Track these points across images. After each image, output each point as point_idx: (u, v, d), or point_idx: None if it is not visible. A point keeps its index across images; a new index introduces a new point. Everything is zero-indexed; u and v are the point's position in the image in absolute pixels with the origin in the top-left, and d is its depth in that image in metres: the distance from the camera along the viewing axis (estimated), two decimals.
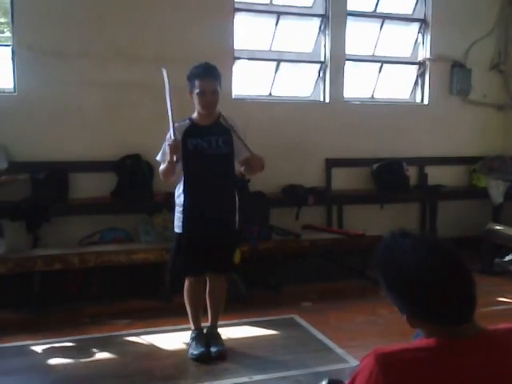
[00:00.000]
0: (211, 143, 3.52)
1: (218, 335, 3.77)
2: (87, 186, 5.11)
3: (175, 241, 3.65)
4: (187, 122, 3.56)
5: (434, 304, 1.40)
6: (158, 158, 3.62)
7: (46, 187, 4.80)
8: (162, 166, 3.51)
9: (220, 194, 3.58)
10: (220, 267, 3.69)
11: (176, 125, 3.49)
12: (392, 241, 1.49)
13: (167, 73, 3.52)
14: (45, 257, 4.39)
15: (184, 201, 3.53)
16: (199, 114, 3.55)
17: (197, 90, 3.44)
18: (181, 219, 3.55)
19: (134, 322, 4.20)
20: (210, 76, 3.47)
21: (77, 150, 5.09)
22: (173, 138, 3.39)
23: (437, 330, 1.42)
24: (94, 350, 3.76)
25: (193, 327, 3.75)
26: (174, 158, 3.34)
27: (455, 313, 1.41)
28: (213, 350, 3.64)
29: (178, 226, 3.59)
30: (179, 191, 3.58)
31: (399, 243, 1.48)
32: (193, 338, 3.70)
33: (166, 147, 3.47)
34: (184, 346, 3.79)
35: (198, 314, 3.75)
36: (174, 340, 3.92)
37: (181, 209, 3.55)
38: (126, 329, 4.08)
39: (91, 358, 3.66)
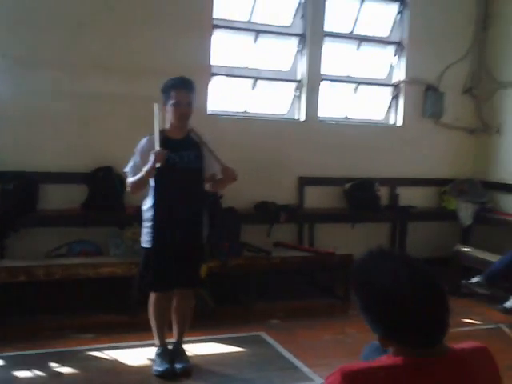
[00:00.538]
0: (183, 157, 3.52)
1: (183, 351, 3.73)
2: (57, 198, 5.04)
3: (143, 256, 3.61)
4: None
5: (408, 328, 1.39)
6: (127, 169, 3.59)
7: (14, 197, 4.72)
8: (134, 178, 3.48)
9: (189, 209, 3.56)
10: (188, 282, 3.66)
11: (147, 138, 3.50)
12: (370, 260, 1.48)
13: (158, 108, 3.52)
14: (10, 268, 4.31)
15: (154, 215, 3.50)
16: (172, 126, 3.55)
17: (172, 101, 3.45)
18: (150, 234, 3.52)
19: (99, 336, 4.15)
20: (185, 88, 3.50)
21: (48, 160, 5.03)
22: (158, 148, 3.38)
23: (407, 351, 1.42)
24: (57, 364, 3.70)
25: (158, 343, 3.71)
26: (157, 165, 3.32)
27: (429, 337, 1.41)
28: (178, 366, 3.61)
29: (146, 241, 3.56)
30: (148, 205, 3.56)
31: (378, 263, 1.46)
32: (158, 355, 3.66)
33: (137, 159, 3.47)
34: (149, 362, 3.75)
35: (164, 329, 3.72)
36: (139, 356, 3.87)
37: (150, 224, 3.53)
38: (91, 343, 4.03)
39: (53, 373, 3.60)
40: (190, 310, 3.74)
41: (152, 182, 3.50)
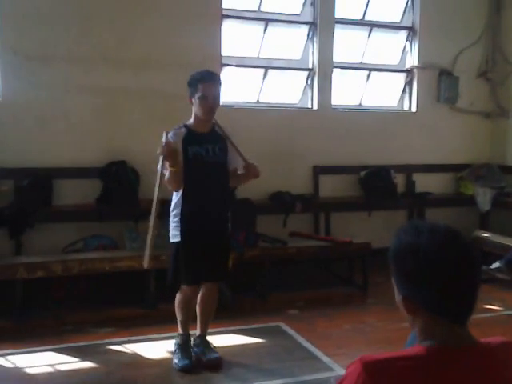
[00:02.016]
0: (208, 151, 3.47)
1: (209, 343, 3.70)
2: (72, 193, 5.05)
3: (173, 250, 3.53)
4: (183, 129, 3.48)
5: (439, 288, 1.34)
6: (159, 167, 3.42)
7: (29, 193, 4.74)
8: (166, 176, 3.37)
9: (217, 202, 3.53)
10: (217, 274, 3.62)
11: (172, 132, 3.42)
12: (417, 228, 1.42)
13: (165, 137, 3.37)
14: (27, 264, 4.32)
15: (182, 209, 3.44)
16: (198, 119, 3.49)
17: (199, 94, 3.39)
18: (178, 228, 3.46)
19: (118, 330, 4.14)
20: (212, 80, 3.44)
21: (62, 156, 5.04)
22: (164, 142, 3.27)
23: (430, 322, 1.37)
24: (77, 358, 3.70)
25: (181, 331, 3.67)
26: (168, 165, 3.25)
27: (456, 307, 1.36)
28: (209, 356, 3.60)
29: (175, 235, 3.49)
30: (176, 200, 3.49)
31: (425, 231, 1.40)
32: (179, 346, 3.63)
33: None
34: (169, 355, 3.73)
35: (189, 321, 3.69)
36: (158, 349, 3.86)
37: (178, 218, 3.46)
38: (110, 337, 4.02)
39: (73, 367, 3.60)
40: (215, 303, 3.70)
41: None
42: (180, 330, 3.68)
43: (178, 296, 3.61)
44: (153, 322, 4.28)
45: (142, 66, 5.20)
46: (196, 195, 3.45)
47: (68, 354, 3.75)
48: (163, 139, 3.33)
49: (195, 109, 3.46)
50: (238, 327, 4.23)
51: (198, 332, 3.71)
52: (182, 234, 3.45)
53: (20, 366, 3.59)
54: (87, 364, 3.64)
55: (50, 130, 5.01)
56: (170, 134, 3.41)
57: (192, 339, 3.75)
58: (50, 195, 4.96)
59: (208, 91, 3.39)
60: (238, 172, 3.63)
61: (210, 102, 3.41)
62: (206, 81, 3.40)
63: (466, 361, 1.34)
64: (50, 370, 3.55)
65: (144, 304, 4.55)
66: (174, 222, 3.50)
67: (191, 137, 3.45)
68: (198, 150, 3.45)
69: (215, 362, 3.58)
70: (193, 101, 3.44)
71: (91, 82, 5.07)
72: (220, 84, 3.49)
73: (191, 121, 3.52)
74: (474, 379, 1.33)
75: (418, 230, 1.40)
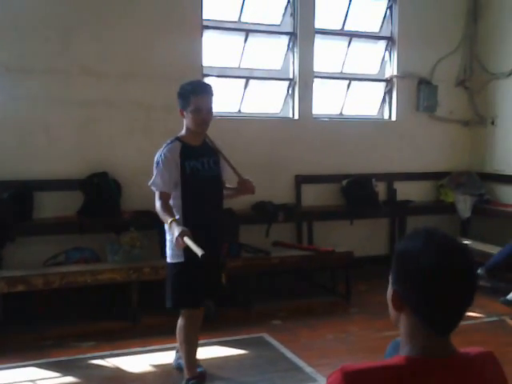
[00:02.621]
0: (204, 165, 3.36)
1: None
2: (53, 205, 5.01)
3: (174, 271, 3.32)
4: (177, 142, 3.32)
5: (430, 298, 1.34)
6: (154, 185, 3.31)
7: (9, 206, 4.69)
8: (162, 215, 3.21)
9: (216, 218, 3.42)
10: (216, 293, 3.54)
11: (166, 148, 3.28)
12: (417, 235, 1.42)
13: None
14: (8, 278, 4.27)
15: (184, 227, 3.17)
16: (190, 132, 3.34)
17: (192, 107, 3.24)
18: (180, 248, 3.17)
19: (100, 344, 4.11)
20: (206, 92, 3.30)
21: (42, 168, 5.00)
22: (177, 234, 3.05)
23: (414, 327, 1.37)
24: (58, 374, 3.66)
25: (189, 375, 3.40)
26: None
27: (442, 318, 1.36)
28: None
29: (176, 256, 3.28)
30: (177, 217, 3.25)
31: (423, 240, 1.40)
32: None
33: (164, 173, 3.24)
34: (151, 369, 3.71)
35: (195, 355, 3.46)
36: (141, 362, 3.83)
37: None
38: (92, 351, 3.98)
39: (55, 383, 3.55)
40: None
41: (179, 192, 3.30)
42: (188, 374, 3.41)
43: (181, 323, 3.38)
44: (135, 335, 4.25)
45: (123, 77, 5.19)
46: (197, 212, 3.31)
47: (49, 369, 3.70)
48: (165, 153, 3.23)
49: (188, 122, 3.31)
50: (221, 339, 4.22)
51: None
52: (185, 253, 3.20)
53: (0, 382, 3.54)
54: (69, 379, 3.60)
55: (30, 142, 4.98)
56: (165, 151, 3.27)
57: (175, 351, 3.72)
58: (31, 208, 4.91)
59: (201, 104, 3.26)
60: (227, 186, 3.58)
61: (204, 114, 3.28)
62: (199, 93, 3.27)
63: (444, 372, 1.36)
64: None
65: (126, 317, 4.51)
66: (171, 241, 3.25)
67: (187, 151, 3.31)
68: (195, 164, 3.32)
69: (199, 376, 3.50)
70: (185, 114, 3.30)
71: (71, 94, 5.04)
72: (212, 95, 3.34)
73: (183, 133, 3.37)
74: None
75: (426, 236, 1.40)
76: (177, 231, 3.04)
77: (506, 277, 5.52)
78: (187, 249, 3.08)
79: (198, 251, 2.95)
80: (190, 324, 3.37)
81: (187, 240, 3.01)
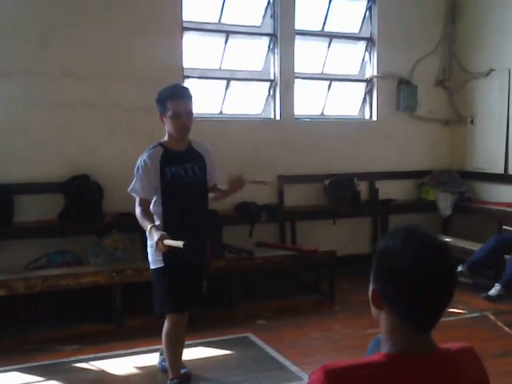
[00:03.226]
0: (187, 171, 3.31)
1: None
2: (33, 209, 4.96)
3: (157, 277, 3.32)
4: (159, 148, 3.29)
5: (408, 297, 1.35)
6: (134, 191, 3.28)
7: None
8: (142, 222, 3.18)
9: (197, 223, 3.37)
10: (201, 297, 3.50)
11: (147, 154, 3.25)
12: (397, 234, 1.43)
13: None
14: None
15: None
16: (172, 138, 3.29)
17: (170, 113, 3.19)
18: (160, 253, 3.14)
19: (84, 347, 4.07)
20: (183, 96, 3.24)
21: (22, 171, 4.95)
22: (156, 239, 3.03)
23: (394, 324, 1.38)
24: (42, 378, 3.62)
25: (173, 375, 3.39)
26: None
27: (422, 316, 1.37)
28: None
29: (157, 261, 3.26)
30: (156, 223, 3.23)
31: (403, 239, 1.40)
32: None
33: (144, 179, 3.22)
34: (136, 371, 3.69)
35: (181, 357, 3.46)
36: (125, 365, 3.81)
37: None
38: (75, 355, 3.95)
39: None
40: None
41: (159, 198, 3.27)
42: (172, 374, 3.39)
43: (167, 327, 3.35)
44: (119, 337, 4.23)
45: (104, 79, 5.16)
46: (177, 218, 3.28)
47: (33, 374, 3.67)
48: (145, 159, 3.22)
49: (168, 127, 3.27)
50: (206, 340, 4.21)
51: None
52: (166, 258, 3.19)
53: None
54: (53, 383, 3.56)
55: (9, 145, 4.92)
56: (145, 157, 3.24)
57: (159, 353, 3.71)
58: (11, 212, 4.86)
59: (179, 108, 3.20)
60: (219, 187, 3.56)
61: (183, 119, 3.22)
62: (177, 98, 3.21)
63: (425, 368, 1.37)
64: None
65: (110, 320, 4.48)
66: (153, 247, 3.21)
67: (169, 156, 3.27)
68: (177, 170, 3.27)
69: (184, 377, 3.49)
70: (164, 119, 3.26)
71: (51, 96, 5.00)
72: (191, 98, 3.28)
73: (166, 139, 3.32)
74: None
75: (405, 235, 1.41)
76: (156, 236, 3.03)
77: (487, 273, 5.61)
78: (168, 253, 3.07)
79: (180, 243, 2.94)
80: (176, 328, 3.34)
81: (166, 241, 3.00)
